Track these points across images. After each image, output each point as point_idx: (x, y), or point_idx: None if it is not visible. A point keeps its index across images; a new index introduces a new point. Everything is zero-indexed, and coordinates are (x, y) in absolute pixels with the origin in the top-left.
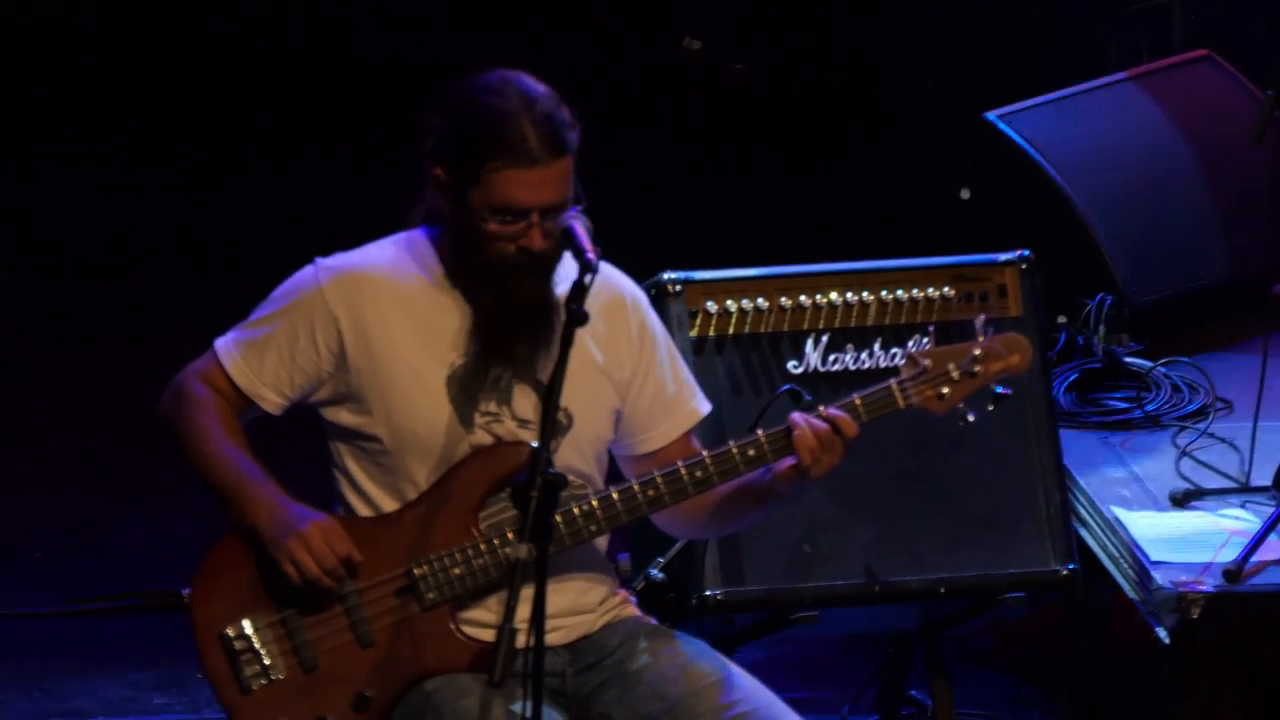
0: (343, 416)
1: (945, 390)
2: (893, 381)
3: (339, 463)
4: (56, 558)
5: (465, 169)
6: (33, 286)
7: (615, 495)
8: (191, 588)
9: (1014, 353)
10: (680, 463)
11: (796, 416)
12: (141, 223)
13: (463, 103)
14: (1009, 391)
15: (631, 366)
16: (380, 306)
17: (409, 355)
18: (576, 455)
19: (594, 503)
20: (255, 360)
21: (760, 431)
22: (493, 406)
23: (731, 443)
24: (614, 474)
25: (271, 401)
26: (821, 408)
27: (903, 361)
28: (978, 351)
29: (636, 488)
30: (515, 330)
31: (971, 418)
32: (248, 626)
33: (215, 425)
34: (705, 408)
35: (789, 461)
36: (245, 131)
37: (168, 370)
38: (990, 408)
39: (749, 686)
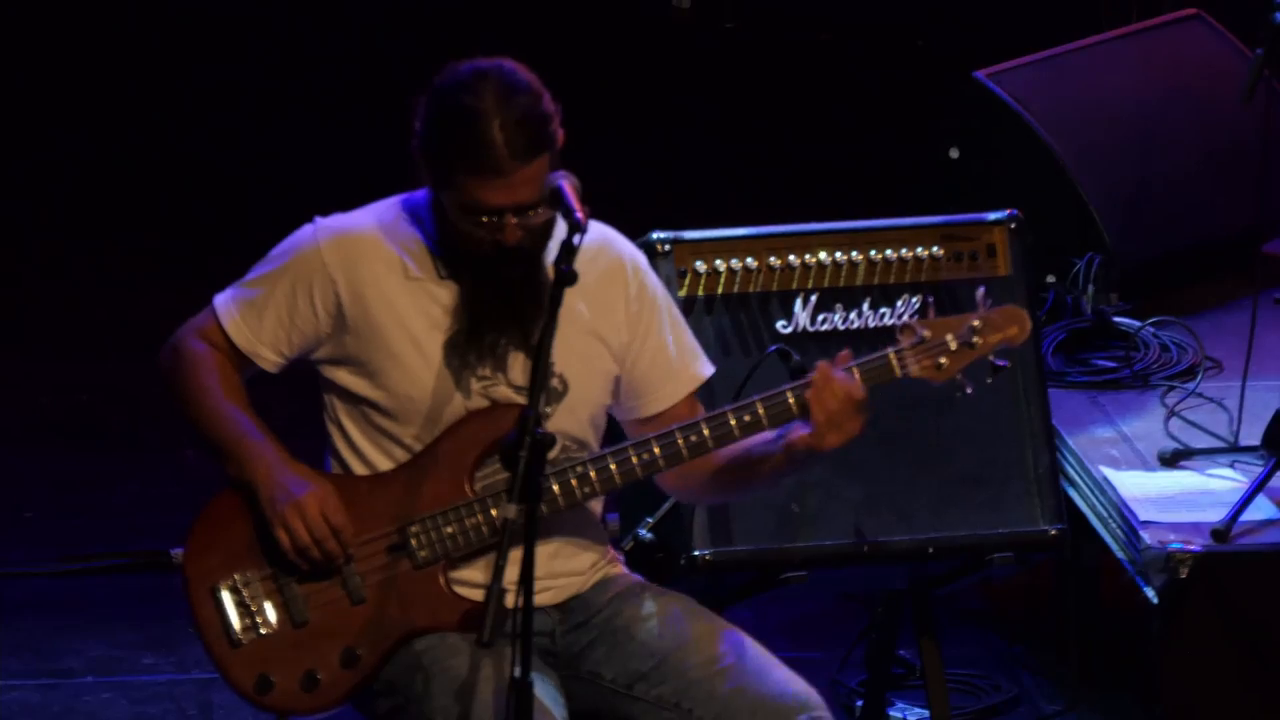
0: (341, 376)
1: (943, 361)
2: (890, 350)
3: (335, 420)
4: (47, 517)
5: (437, 169)
6: (21, 242)
7: (610, 459)
8: (186, 541)
9: (1012, 324)
10: (676, 427)
11: (821, 370)
12: (132, 176)
13: (439, 98)
14: (1007, 364)
15: (629, 331)
16: (378, 270)
17: (406, 320)
18: (572, 421)
19: (589, 465)
20: (254, 320)
21: (757, 399)
22: (488, 373)
23: (728, 408)
24: (613, 437)
25: (269, 360)
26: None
27: (892, 321)
28: (976, 323)
29: (631, 451)
30: (500, 310)
31: (969, 389)
32: (239, 580)
33: (215, 382)
34: (707, 370)
35: (803, 430)
36: (239, 86)
37: (159, 327)
38: (988, 380)
39: (737, 639)
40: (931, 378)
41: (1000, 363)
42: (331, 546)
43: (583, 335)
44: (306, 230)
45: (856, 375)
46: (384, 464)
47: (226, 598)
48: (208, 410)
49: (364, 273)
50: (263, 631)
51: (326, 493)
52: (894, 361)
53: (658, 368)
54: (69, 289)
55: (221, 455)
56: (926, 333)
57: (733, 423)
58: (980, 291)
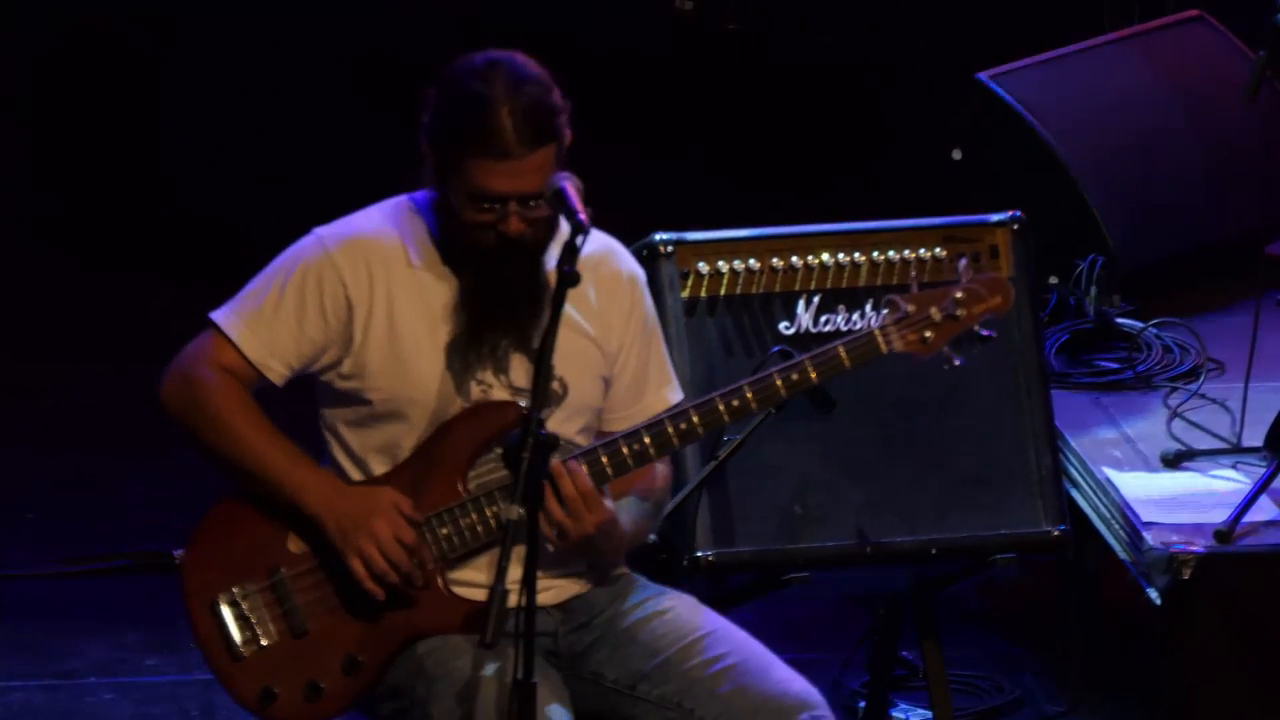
0: (340, 382)
1: (928, 334)
2: (875, 327)
3: (331, 426)
4: (49, 518)
5: (445, 155)
6: (22, 243)
7: (601, 451)
8: (184, 555)
9: (996, 293)
10: (664, 415)
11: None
12: (134, 176)
13: (449, 86)
14: (993, 334)
15: (619, 341)
16: (385, 274)
17: (410, 324)
18: (569, 424)
19: (580, 460)
20: (264, 331)
21: (744, 383)
22: (489, 376)
23: (716, 394)
24: None
25: (277, 373)
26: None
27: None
28: (959, 294)
29: (621, 443)
30: (500, 310)
31: (958, 362)
32: (238, 593)
33: (241, 410)
34: (675, 398)
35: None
36: (242, 88)
37: (162, 328)
38: (974, 351)
39: (738, 638)
40: (917, 352)
41: (986, 333)
42: (410, 569)
43: (581, 339)
44: (310, 241)
45: (842, 352)
46: (381, 468)
47: (226, 611)
48: (246, 442)
49: (375, 277)
50: (264, 643)
51: (393, 513)
52: (879, 337)
53: (631, 389)
54: (69, 290)
55: (268, 485)
56: (910, 307)
57: (721, 408)
58: (962, 263)
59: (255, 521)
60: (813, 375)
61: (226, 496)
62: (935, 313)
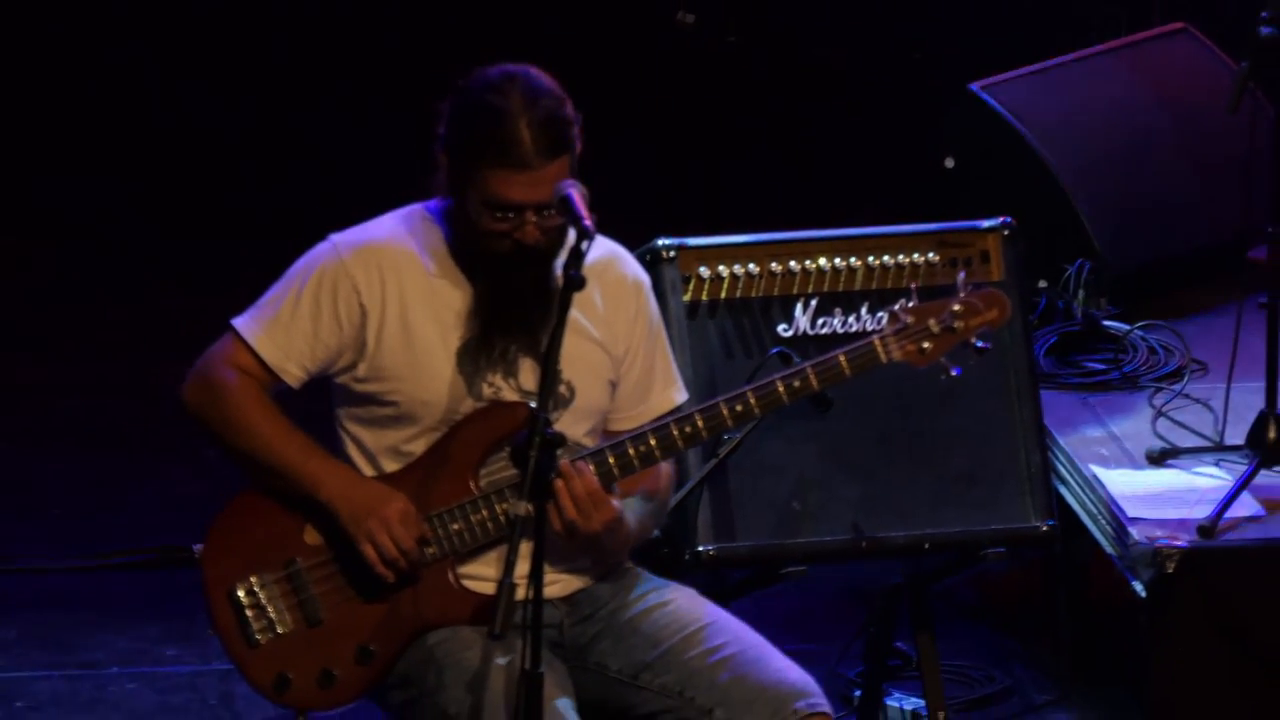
0: (355, 384)
1: (926, 345)
2: (875, 337)
3: (345, 425)
4: (73, 516)
5: (462, 164)
6: (40, 246)
7: (608, 453)
8: (204, 546)
9: (993, 308)
10: (669, 419)
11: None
12: (147, 178)
13: (466, 98)
14: (989, 346)
15: (625, 345)
16: (398, 280)
17: (423, 328)
18: (577, 427)
19: (587, 461)
20: (281, 336)
21: (748, 388)
22: (498, 380)
23: (720, 399)
24: None
25: (294, 376)
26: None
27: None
28: (957, 307)
29: (629, 444)
30: (511, 315)
31: (955, 372)
32: (255, 583)
33: (260, 407)
34: (680, 398)
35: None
36: (248, 90)
37: (178, 328)
38: (970, 362)
39: (737, 629)
40: (915, 362)
41: (981, 345)
42: (418, 556)
43: (588, 343)
44: (325, 247)
45: (843, 360)
46: (393, 467)
47: (243, 600)
48: (263, 438)
49: (387, 282)
50: (279, 631)
51: (405, 503)
52: (879, 347)
53: (638, 389)
54: (86, 293)
55: (285, 479)
56: (909, 318)
57: (724, 412)
58: (961, 276)
59: (273, 514)
60: (814, 383)
61: (245, 490)
62: (933, 324)
